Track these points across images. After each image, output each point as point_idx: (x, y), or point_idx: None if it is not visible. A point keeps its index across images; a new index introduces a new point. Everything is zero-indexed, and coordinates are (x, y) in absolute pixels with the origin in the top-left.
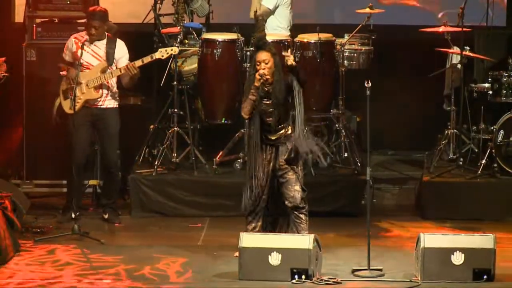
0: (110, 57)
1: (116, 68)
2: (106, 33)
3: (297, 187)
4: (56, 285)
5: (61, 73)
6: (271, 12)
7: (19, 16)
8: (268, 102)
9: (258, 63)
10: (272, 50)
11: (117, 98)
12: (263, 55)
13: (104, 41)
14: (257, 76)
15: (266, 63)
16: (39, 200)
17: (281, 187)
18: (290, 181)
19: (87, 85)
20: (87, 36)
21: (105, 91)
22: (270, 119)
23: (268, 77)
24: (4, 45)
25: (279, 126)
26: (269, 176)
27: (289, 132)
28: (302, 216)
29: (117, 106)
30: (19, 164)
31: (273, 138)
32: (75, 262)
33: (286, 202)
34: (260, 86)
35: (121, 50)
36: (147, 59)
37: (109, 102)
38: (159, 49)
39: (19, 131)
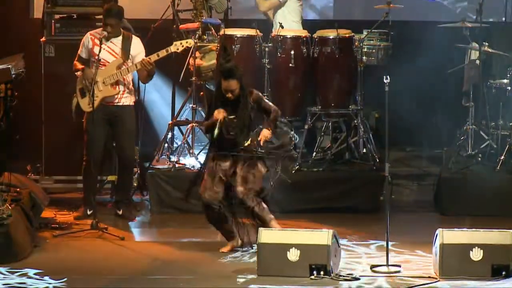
0: (126, 54)
1: (133, 64)
2: (122, 30)
3: (241, 188)
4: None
5: (76, 73)
6: (281, 5)
7: (38, 12)
8: (232, 117)
9: (225, 91)
10: (239, 75)
11: (133, 95)
12: (232, 84)
13: (120, 38)
14: (215, 120)
15: (233, 91)
16: (58, 195)
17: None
18: (236, 182)
19: (103, 82)
20: (104, 33)
21: (121, 88)
22: (232, 133)
23: (224, 119)
24: (23, 41)
25: (241, 140)
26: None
27: (249, 142)
28: (247, 209)
29: (133, 103)
30: (38, 159)
31: (234, 149)
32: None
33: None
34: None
35: (138, 46)
36: (162, 53)
37: (126, 100)
38: (174, 42)
39: (38, 127)
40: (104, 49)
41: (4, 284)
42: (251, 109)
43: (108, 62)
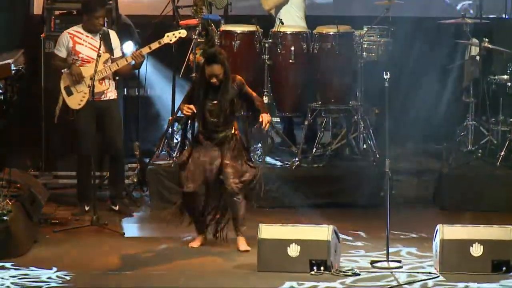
0: (109, 48)
1: (123, 58)
2: None
3: (235, 180)
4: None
5: (62, 70)
6: (285, 1)
7: (37, 8)
8: (214, 103)
9: (209, 76)
10: (222, 59)
11: (115, 88)
12: (216, 69)
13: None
14: (185, 111)
15: (218, 76)
16: (58, 191)
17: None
18: (228, 174)
19: (91, 78)
20: (100, 27)
21: (107, 82)
22: (215, 119)
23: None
24: (23, 37)
25: (224, 126)
26: (212, 172)
27: (233, 131)
28: (237, 200)
29: (117, 96)
30: (37, 155)
31: (217, 137)
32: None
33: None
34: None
35: (116, 40)
36: (154, 45)
37: (111, 94)
38: (166, 34)
39: (38, 123)
40: (85, 46)
41: (11, 276)
42: (234, 94)
43: (93, 59)
